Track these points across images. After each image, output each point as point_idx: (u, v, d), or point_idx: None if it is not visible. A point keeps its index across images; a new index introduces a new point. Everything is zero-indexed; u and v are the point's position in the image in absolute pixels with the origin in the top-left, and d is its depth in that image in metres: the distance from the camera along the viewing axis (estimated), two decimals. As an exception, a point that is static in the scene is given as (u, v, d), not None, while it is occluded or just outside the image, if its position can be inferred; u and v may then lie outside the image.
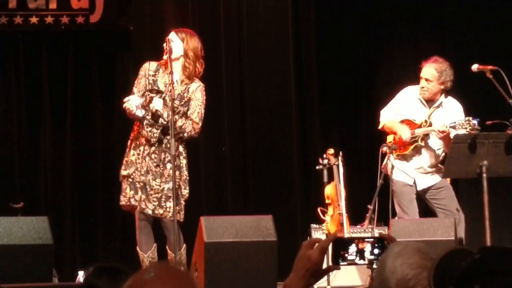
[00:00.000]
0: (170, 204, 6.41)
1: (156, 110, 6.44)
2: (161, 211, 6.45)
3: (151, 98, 6.50)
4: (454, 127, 7.04)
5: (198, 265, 6.28)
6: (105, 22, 8.71)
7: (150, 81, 6.56)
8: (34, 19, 8.68)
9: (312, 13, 9.05)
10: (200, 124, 6.60)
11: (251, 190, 8.78)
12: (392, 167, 7.18)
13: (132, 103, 6.41)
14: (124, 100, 6.50)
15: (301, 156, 8.86)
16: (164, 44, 6.57)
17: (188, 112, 6.57)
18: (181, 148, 6.54)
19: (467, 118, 7.05)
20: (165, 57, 6.57)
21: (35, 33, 8.76)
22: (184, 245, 6.50)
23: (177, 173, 6.45)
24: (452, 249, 2.48)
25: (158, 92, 6.50)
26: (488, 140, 6.85)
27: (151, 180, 6.41)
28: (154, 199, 6.44)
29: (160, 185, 6.45)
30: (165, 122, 6.44)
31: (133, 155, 6.50)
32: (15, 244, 5.91)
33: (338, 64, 9.01)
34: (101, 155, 8.85)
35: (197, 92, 6.61)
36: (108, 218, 8.71)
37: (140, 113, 6.41)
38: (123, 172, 6.52)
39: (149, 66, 6.60)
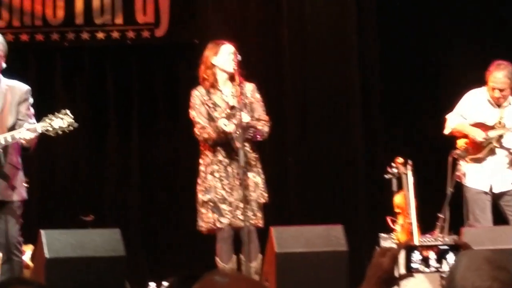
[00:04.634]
0: (259, 212, 6.58)
1: (247, 123, 6.50)
2: (257, 220, 6.59)
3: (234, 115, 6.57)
4: None
5: (269, 276, 6.28)
6: (170, 35, 8.79)
7: (211, 105, 6.62)
8: (100, 35, 8.80)
9: (374, 19, 9.00)
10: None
11: (317, 199, 8.76)
12: (464, 174, 7.11)
13: (231, 127, 6.47)
14: (213, 133, 6.53)
15: (367, 164, 8.81)
16: (232, 56, 6.59)
17: (256, 115, 6.68)
18: (255, 153, 6.64)
19: None
20: (230, 68, 6.60)
21: (101, 48, 8.88)
22: (260, 256, 6.53)
23: (258, 178, 6.60)
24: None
25: (233, 108, 6.56)
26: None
27: (242, 195, 6.47)
28: (248, 210, 6.53)
29: (251, 195, 6.56)
30: (253, 130, 6.57)
31: (211, 180, 6.59)
32: (88, 256, 5.96)
33: (402, 69, 8.95)
34: (166, 167, 8.92)
35: (254, 93, 6.73)
36: (175, 228, 8.76)
37: (240, 141, 6.47)
38: (203, 198, 6.61)
39: (200, 93, 6.67)
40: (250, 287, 2.15)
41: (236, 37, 7.29)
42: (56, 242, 5.95)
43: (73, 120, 5.88)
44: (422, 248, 2.68)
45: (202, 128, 6.59)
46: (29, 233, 6.81)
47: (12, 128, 5.96)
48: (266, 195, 6.67)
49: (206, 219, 6.58)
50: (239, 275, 2.21)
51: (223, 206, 6.54)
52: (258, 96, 6.75)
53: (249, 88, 6.71)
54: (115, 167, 8.93)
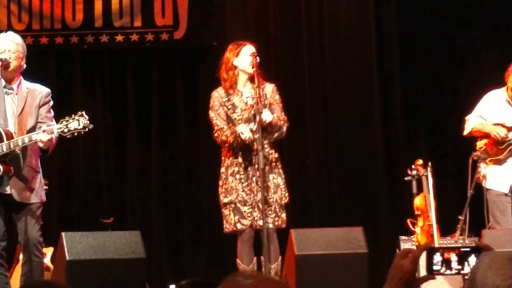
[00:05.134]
0: (282, 213, 6.56)
1: (269, 122, 6.50)
2: (280, 222, 6.55)
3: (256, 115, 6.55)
4: None
5: (289, 278, 6.28)
6: (189, 38, 8.82)
7: (229, 107, 6.61)
8: (119, 37, 8.84)
9: (394, 16, 8.98)
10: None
11: (337, 201, 8.75)
12: (484, 176, 7.08)
13: (247, 134, 6.45)
14: (230, 137, 6.52)
15: (387, 166, 8.80)
16: (251, 58, 6.59)
17: (275, 116, 6.64)
18: (276, 154, 6.62)
19: None
20: (251, 70, 6.59)
21: (120, 51, 8.91)
22: (280, 258, 6.52)
23: (279, 179, 6.57)
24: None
25: (253, 108, 6.56)
26: None
27: (261, 197, 6.46)
28: (270, 212, 6.51)
29: (272, 197, 6.55)
30: (278, 128, 6.56)
31: (232, 182, 6.57)
32: (109, 258, 5.98)
33: (422, 70, 8.93)
34: (186, 169, 8.94)
35: (274, 94, 6.70)
36: (195, 231, 8.78)
37: (259, 143, 6.46)
38: (224, 200, 6.59)
39: (219, 94, 6.66)
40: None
41: (254, 39, 7.29)
42: (77, 244, 5.97)
43: (88, 122, 5.88)
44: (444, 250, 2.66)
45: (220, 130, 6.59)
46: (50, 236, 6.85)
47: (32, 130, 6.00)
48: (287, 195, 6.66)
49: (229, 221, 6.58)
50: (262, 276, 2.21)
51: (244, 208, 6.53)
52: (277, 97, 6.73)
53: (269, 89, 6.70)
54: (135, 169, 8.96)
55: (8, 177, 5.97)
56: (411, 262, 2.58)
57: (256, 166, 6.46)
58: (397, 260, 2.62)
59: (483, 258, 2.53)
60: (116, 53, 8.95)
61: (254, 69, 6.54)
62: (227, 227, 6.61)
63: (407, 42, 8.92)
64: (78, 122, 5.87)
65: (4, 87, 6.08)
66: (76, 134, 5.89)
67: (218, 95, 6.65)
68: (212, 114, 6.66)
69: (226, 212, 6.59)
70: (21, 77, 6.15)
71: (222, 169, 6.65)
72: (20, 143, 5.89)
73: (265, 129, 6.48)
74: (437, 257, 2.64)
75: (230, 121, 6.60)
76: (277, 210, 6.56)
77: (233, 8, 8.91)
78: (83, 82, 8.96)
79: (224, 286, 2.16)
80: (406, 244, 7.36)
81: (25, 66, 6.13)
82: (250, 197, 6.51)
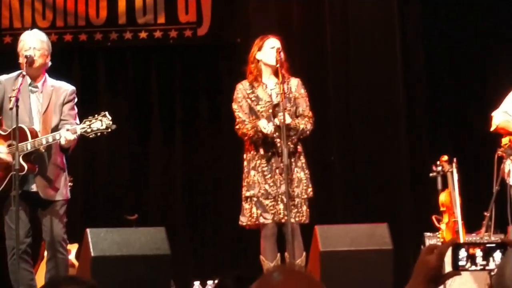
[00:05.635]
0: (305, 207, 6.53)
1: (288, 124, 6.47)
2: (302, 217, 6.54)
3: (275, 113, 6.54)
4: None
5: (313, 274, 6.25)
6: (212, 34, 8.81)
7: (253, 99, 6.60)
8: (143, 34, 8.85)
9: (418, 13, 8.93)
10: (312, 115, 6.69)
11: (361, 198, 8.72)
12: (509, 172, 7.03)
13: (269, 129, 6.43)
14: (250, 130, 6.49)
15: (412, 162, 8.75)
16: (273, 51, 6.58)
17: (300, 110, 6.63)
18: (299, 148, 6.60)
19: None
20: (273, 62, 6.58)
21: (143, 48, 8.92)
22: (305, 254, 6.50)
23: (302, 174, 6.55)
24: None
25: (276, 106, 6.54)
26: None
27: (285, 191, 6.43)
28: (293, 206, 6.50)
29: (294, 191, 6.53)
30: (294, 133, 6.53)
31: (254, 175, 6.55)
32: (134, 254, 5.99)
33: (447, 66, 8.88)
34: (209, 166, 8.94)
35: (299, 88, 6.69)
36: (219, 227, 8.78)
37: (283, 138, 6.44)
38: (247, 193, 6.57)
39: (244, 86, 6.65)
40: (302, 284, 2.14)
41: (278, 36, 7.28)
42: (102, 240, 5.98)
43: (111, 122, 5.89)
44: (469, 245, 2.65)
45: (241, 123, 6.59)
46: (75, 232, 6.88)
47: (56, 128, 6.02)
48: (310, 190, 6.63)
49: (249, 215, 6.56)
50: (293, 272, 2.21)
51: (267, 202, 6.51)
52: (303, 91, 6.71)
53: (294, 83, 6.69)
54: (159, 166, 8.97)
55: (33, 175, 6.00)
56: (437, 258, 2.57)
57: (280, 158, 6.45)
58: (422, 256, 2.60)
59: (510, 254, 2.51)
60: (140, 50, 8.96)
61: (278, 65, 6.53)
62: (243, 220, 6.60)
63: (432, 38, 8.87)
64: (101, 123, 5.88)
65: (29, 85, 6.10)
66: (99, 134, 5.90)
67: (242, 87, 6.66)
68: (235, 106, 6.67)
69: (246, 206, 6.58)
70: (46, 74, 6.17)
71: (245, 163, 6.65)
72: (44, 142, 5.92)
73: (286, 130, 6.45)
74: (462, 253, 2.63)
75: (253, 113, 6.60)
76: (299, 205, 6.54)
77: (257, 5, 8.89)
78: (106, 79, 8.99)
79: (259, 281, 2.16)
80: (431, 240, 7.33)
81: (50, 63, 6.15)
82: (273, 190, 6.50)
